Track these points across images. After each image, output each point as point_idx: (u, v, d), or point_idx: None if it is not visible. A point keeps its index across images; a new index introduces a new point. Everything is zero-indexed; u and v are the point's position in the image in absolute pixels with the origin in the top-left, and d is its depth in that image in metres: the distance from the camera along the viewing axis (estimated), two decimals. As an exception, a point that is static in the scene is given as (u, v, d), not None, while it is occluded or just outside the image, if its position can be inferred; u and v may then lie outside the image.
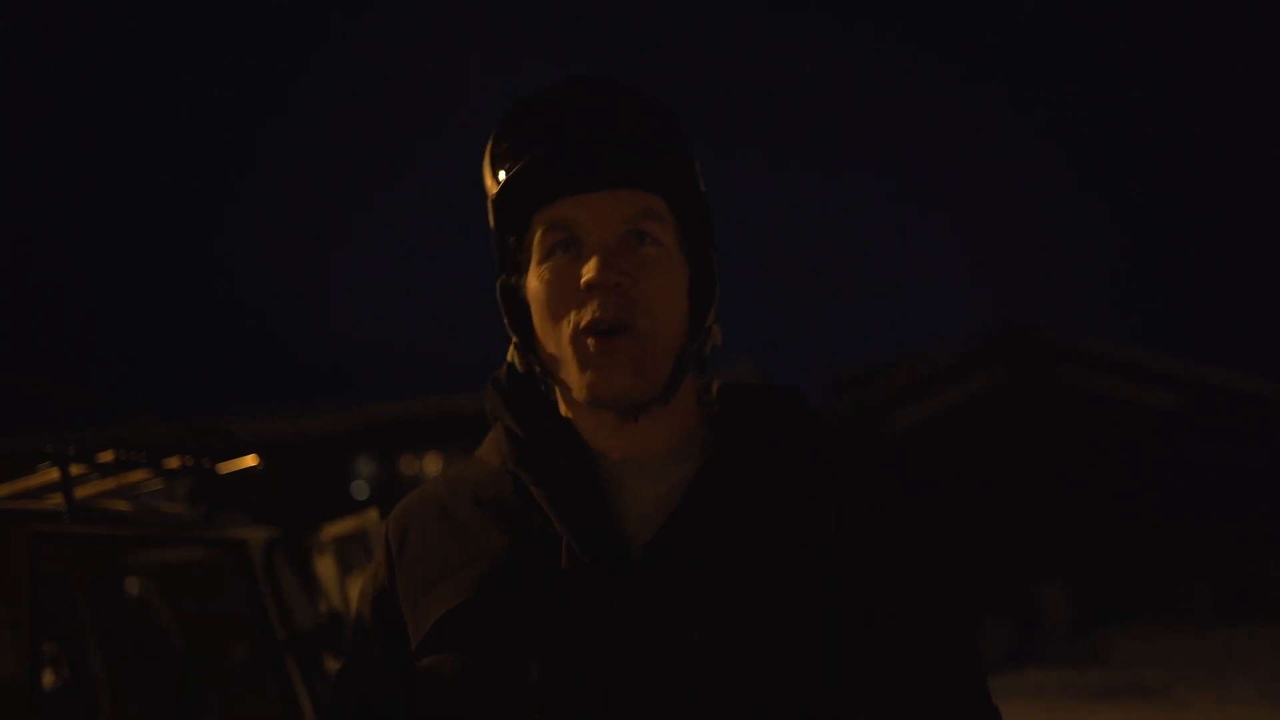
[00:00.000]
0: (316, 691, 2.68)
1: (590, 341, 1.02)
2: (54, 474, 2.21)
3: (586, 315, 1.02)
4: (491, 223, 1.10)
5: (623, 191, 1.04)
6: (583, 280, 1.02)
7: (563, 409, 1.12)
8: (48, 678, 3.00)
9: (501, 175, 1.06)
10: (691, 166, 1.10)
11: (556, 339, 1.05)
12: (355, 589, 3.96)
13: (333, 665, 2.78)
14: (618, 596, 0.98)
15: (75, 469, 2.22)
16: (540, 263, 1.06)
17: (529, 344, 1.10)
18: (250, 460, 2.63)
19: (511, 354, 1.13)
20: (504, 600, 1.00)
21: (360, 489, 17.99)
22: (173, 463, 2.49)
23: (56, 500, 2.22)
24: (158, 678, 3.55)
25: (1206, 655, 11.39)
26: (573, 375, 1.04)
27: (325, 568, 3.84)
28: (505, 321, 1.12)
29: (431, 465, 17.63)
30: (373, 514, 3.70)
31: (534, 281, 1.06)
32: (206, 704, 3.51)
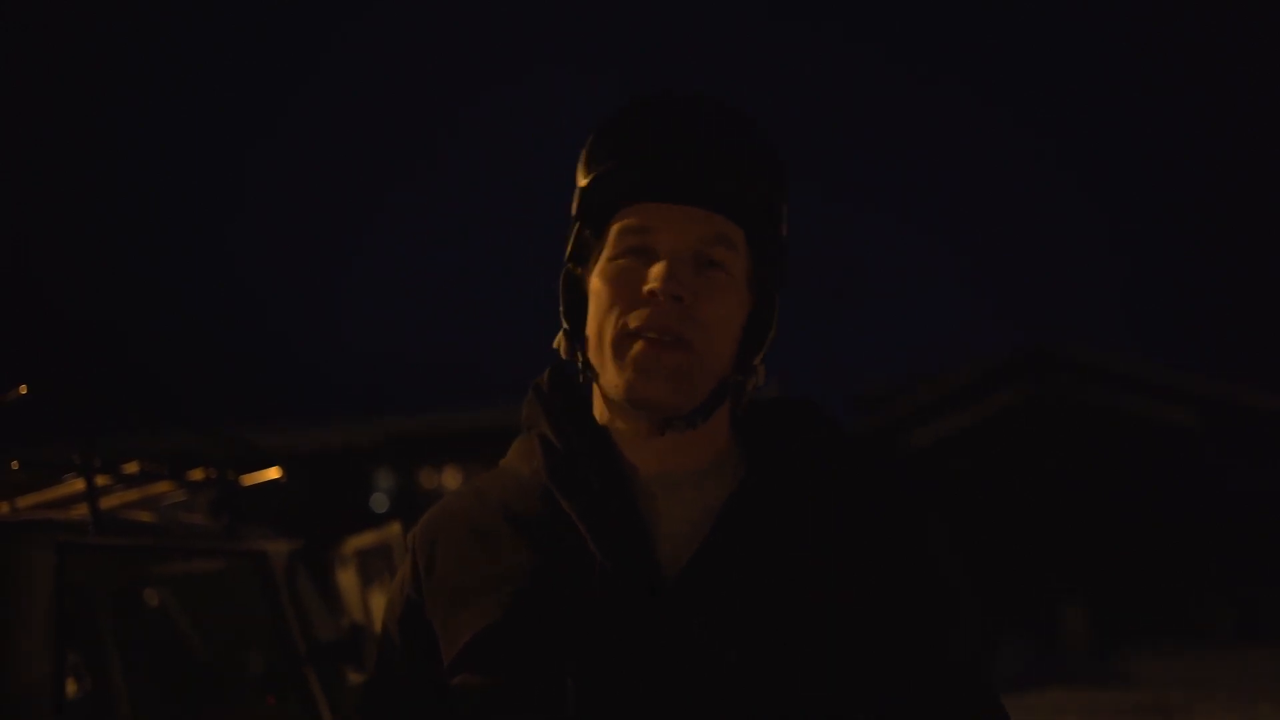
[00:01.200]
0: (337, 704, 2.68)
1: (638, 344, 1.02)
2: (79, 485, 2.23)
3: (638, 320, 1.02)
4: (574, 211, 1.11)
5: (704, 212, 1.05)
6: (646, 286, 1.02)
7: (598, 413, 1.12)
8: (70, 687, 3.01)
9: (595, 169, 1.07)
10: (779, 208, 1.10)
11: (602, 336, 1.05)
12: (377, 601, 3.97)
13: (354, 678, 2.79)
14: (651, 620, 0.98)
15: (100, 480, 2.24)
16: (610, 259, 1.06)
17: (578, 334, 1.10)
18: (273, 473, 2.64)
19: (559, 340, 1.13)
20: (536, 622, 1.00)
21: (380, 501, 18.02)
22: (197, 475, 2.50)
23: (81, 511, 2.24)
24: (179, 688, 3.56)
25: (1229, 676, 11.25)
26: (611, 373, 1.04)
27: (347, 580, 3.86)
28: (561, 308, 1.12)
29: (451, 479, 17.63)
30: (395, 527, 3.71)
31: (598, 276, 1.07)
32: (227, 715, 3.52)
